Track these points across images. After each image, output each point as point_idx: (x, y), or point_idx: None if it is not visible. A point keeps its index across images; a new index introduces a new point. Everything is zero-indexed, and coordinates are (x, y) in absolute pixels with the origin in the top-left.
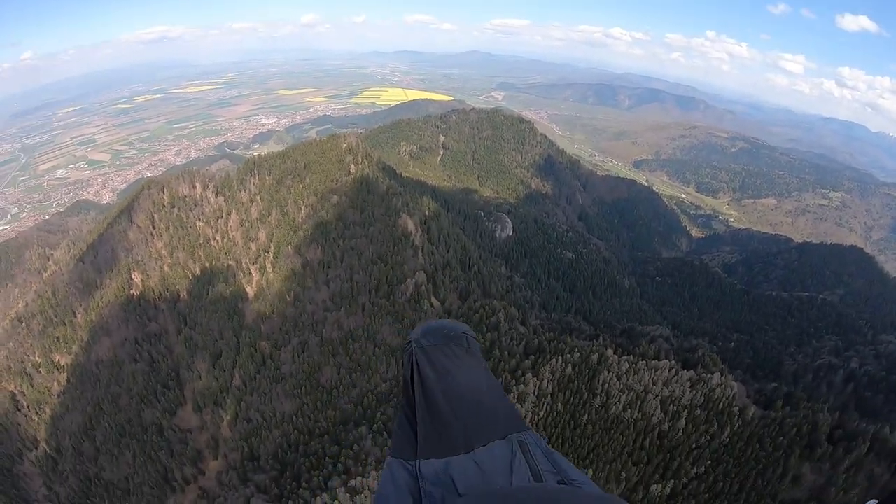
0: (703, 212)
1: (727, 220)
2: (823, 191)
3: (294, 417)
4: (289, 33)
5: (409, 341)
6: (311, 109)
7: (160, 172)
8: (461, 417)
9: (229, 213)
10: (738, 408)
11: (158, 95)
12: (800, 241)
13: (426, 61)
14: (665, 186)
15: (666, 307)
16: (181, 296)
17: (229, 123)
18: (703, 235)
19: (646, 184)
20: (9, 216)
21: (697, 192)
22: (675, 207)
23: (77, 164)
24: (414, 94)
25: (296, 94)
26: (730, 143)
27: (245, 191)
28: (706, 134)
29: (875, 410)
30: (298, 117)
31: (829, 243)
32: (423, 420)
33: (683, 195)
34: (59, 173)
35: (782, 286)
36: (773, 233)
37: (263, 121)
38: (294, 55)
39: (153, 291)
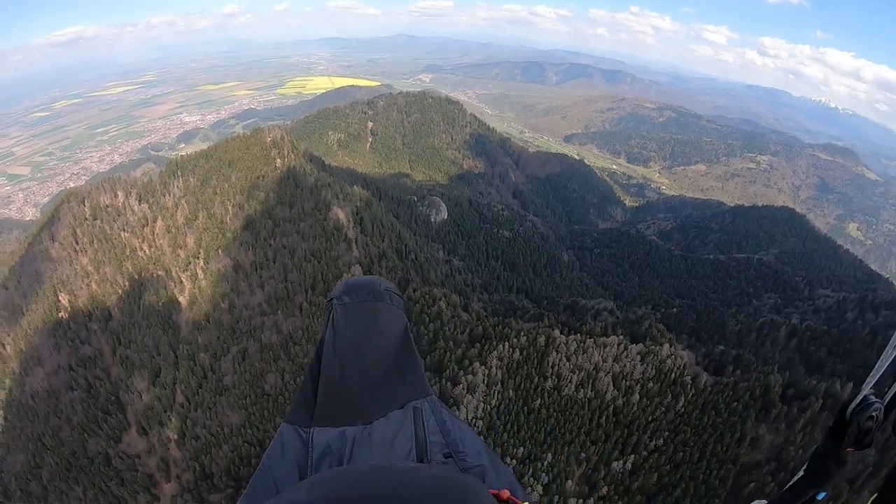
0: (635, 181)
1: (659, 189)
2: (751, 155)
3: (242, 429)
4: (209, 25)
5: (331, 298)
6: (236, 103)
7: (84, 182)
8: (368, 383)
9: (155, 221)
10: (690, 377)
11: (77, 100)
12: (732, 205)
13: (351, 47)
14: (596, 159)
15: (606, 278)
16: (112, 313)
17: (152, 124)
18: (637, 205)
19: (577, 157)
20: None
21: (628, 162)
22: (608, 179)
23: None
24: (340, 82)
25: (220, 89)
26: (657, 113)
27: (169, 195)
28: (634, 105)
29: (820, 364)
30: (224, 112)
31: (760, 205)
32: (325, 384)
33: (615, 166)
34: None
35: (718, 249)
36: (705, 198)
37: (187, 119)
38: (216, 48)
39: (82, 312)
